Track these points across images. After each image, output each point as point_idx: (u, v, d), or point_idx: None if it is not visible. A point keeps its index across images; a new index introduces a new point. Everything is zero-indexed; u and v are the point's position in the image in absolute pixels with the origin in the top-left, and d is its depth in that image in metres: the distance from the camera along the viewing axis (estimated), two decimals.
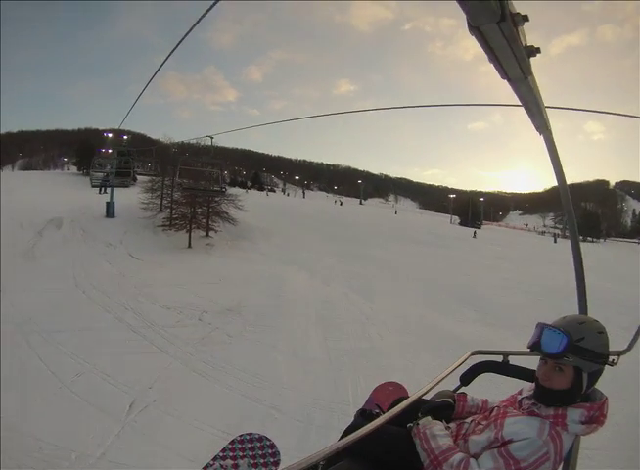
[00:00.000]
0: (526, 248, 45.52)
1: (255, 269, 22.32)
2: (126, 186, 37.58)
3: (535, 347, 1.92)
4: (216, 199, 30.97)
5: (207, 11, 2.90)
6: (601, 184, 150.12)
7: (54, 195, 45.11)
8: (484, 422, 1.97)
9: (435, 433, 1.92)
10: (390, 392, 3.27)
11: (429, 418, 2.00)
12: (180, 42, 3.82)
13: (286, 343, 12.93)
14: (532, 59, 1.29)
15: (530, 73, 1.36)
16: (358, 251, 28.73)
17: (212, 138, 21.52)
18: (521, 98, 1.62)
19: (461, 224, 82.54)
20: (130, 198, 38.20)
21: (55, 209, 36.08)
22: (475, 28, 1.04)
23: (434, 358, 10.90)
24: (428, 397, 2.14)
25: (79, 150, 70.27)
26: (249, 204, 33.53)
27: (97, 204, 37.70)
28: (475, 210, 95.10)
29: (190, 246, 28.17)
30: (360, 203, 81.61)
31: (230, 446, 2.60)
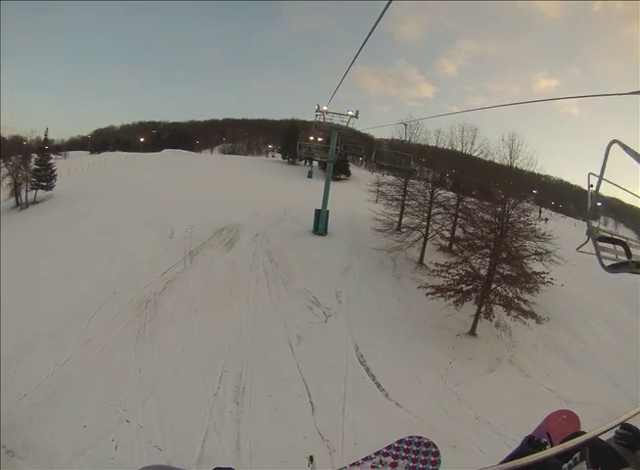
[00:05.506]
0: None
1: None
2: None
3: None
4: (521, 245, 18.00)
5: (387, 6, 3.54)
6: None
7: (246, 184, 34.06)
8: None
9: None
10: (563, 421, 2.94)
11: (583, 466, 1.79)
12: (366, 40, 4.38)
13: None
14: None
15: None
16: None
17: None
18: None
19: None
20: (348, 199, 27.09)
21: (238, 207, 24.00)
22: None
23: None
24: (605, 437, 1.89)
25: (286, 137, 65.50)
26: None
27: (302, 206, 24.52)
28: None
29: (474, 332, 15.89)
30: None
31: (396, 445, 2.60)
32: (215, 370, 10.08)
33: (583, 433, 1.80)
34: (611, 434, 1.91)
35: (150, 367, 10.25)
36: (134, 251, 17.10)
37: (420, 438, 2.65)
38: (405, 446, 2.60)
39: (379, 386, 10.71)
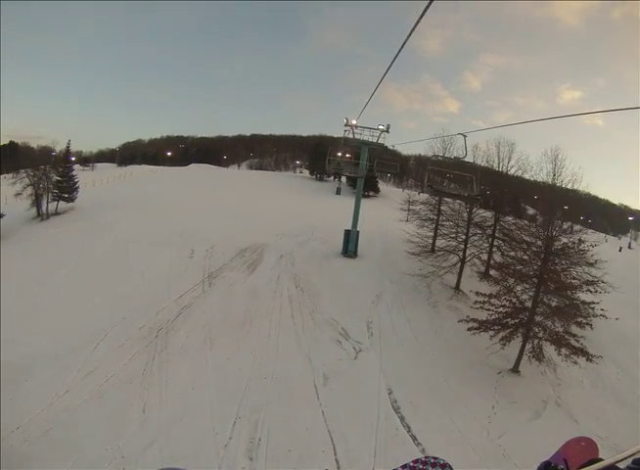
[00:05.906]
0: None
1: None
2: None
3: None
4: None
5: (417, 22, 3.37)
6: None
7: (272, 201, 33.45)
8: None
9: None
10: (582, 448, 2.42)
11: None
12: (396, 57, 4.42)
13: None
14: None
15: None
16: None
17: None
18: None
19: None
20: (377, 218, 26.00)
21: (263, 225, 23.31)
22: None
23: None
24: (623, 465, 1.62)
25: (313, 153, 65.63)
26: None
27: (330, 224, 23.52)
28: None
29: (517, 369, 14.31)
30: (629, 246, 60.82)
31: (411, 464, 2.08)
32: (228, 416, 8.85)
33: (601, 460, 1.68)
34: (629, 461, 1.63)
35: (155, 407, 9.15)
36: (150, 270, 16.24)
37: (436, 458, 2.36)
38: (420, 466, 2.33)
39: (414, 439, 9.22)
